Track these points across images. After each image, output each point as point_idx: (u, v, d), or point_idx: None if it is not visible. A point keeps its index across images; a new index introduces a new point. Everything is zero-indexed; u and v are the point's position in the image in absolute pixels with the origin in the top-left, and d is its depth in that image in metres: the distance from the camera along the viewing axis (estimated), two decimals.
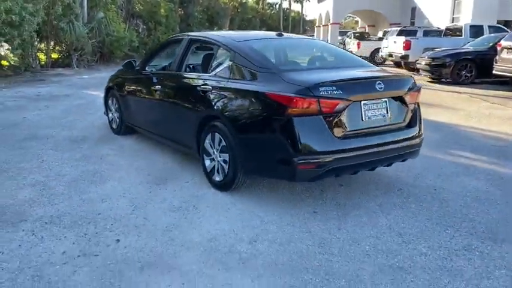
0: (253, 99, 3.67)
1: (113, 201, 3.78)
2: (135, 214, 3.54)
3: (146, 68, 5.44)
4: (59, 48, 16.95)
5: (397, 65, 17.10)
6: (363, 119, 3.57)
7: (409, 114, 3.92)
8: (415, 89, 3.97)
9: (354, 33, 27.07)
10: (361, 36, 24.39)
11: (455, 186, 4.22)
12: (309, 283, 2.60)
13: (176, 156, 5.02)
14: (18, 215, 3.48)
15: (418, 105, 4.14)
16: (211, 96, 4.03)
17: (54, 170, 4.60)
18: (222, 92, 3.94)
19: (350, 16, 42.57)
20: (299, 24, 63.39)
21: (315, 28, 38.28)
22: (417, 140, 4.01)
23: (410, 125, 3.94)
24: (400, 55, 15.92)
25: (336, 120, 3.42)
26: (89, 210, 3.59)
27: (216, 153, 4.00)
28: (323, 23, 33.24)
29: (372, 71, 4.17)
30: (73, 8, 15.55)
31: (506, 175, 4.58)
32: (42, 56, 16.10)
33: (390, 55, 16.97)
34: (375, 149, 3.64)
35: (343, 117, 3.45)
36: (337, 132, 3.44)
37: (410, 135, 3.93)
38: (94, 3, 17.45)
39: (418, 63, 13.60)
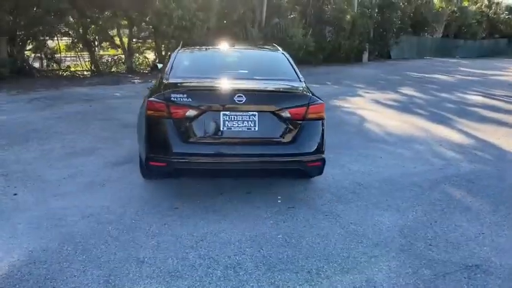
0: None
1: (63, 170, 4.86)
2: (60, 182, 4.53)
3: None
4: None
5: None
6: (222, 128, 3.71)
7: (292, 131, 3.79)
8: (304, 106, 3.80)
9: None
10: None
11: (367, 220, 3.81)
12: (63, 250, 3.15)
13: None
14: None
15: (323, 124, 3.93)
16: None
17: (76, 143, 5.98)
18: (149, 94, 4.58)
19: None
20: None
21: None
22: (306, 158, 3.84)
23: (294, 141, 3.80)
24: None
25: (187, 125, 3.69)
26: (38, 173, 4.76)
27: None
28: None
29: (270, 85, 4.09)
30: (247, 14, 17.57)
31: (451, 221, 3.84)
32: None
33: None
34: (235, 159, 3.74)
35: (196, 124, 3.69)
36: (188, 137, 3.71)
37: (293, 152, 3.81)
38: (273, 10, 19.20)
39: None
